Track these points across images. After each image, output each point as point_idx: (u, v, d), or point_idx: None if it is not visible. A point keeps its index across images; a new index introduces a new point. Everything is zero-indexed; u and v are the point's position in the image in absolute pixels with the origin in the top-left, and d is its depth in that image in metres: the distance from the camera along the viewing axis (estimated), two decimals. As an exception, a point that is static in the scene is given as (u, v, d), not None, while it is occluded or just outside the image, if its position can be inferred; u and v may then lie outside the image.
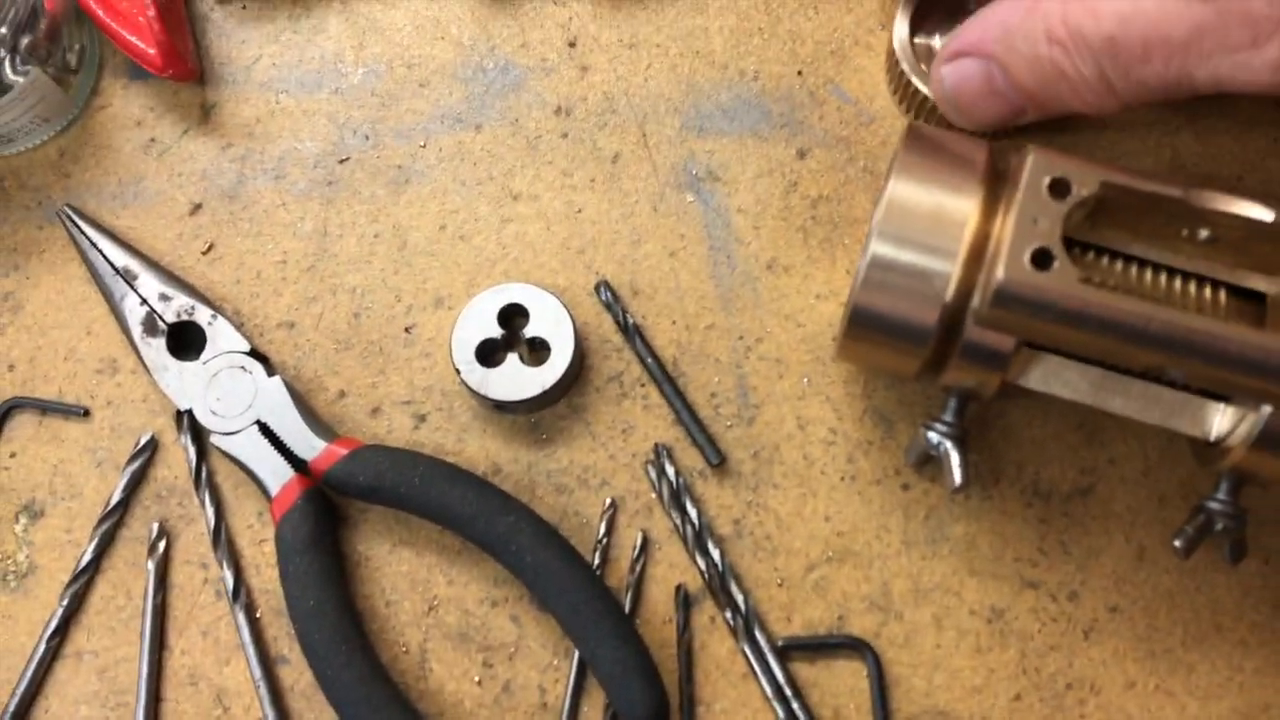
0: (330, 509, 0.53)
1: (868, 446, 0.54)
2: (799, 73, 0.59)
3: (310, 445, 0.53)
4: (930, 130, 0.49)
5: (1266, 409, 0.42)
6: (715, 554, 0.52)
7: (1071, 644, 0.51)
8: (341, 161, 0.59)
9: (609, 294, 0.56)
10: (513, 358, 0.53)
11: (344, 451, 0.52)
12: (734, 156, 0.58)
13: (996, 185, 0.46)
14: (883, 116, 0.58)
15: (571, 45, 0.60)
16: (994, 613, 0.52)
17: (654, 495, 0.54)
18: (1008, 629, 0.52)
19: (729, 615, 0.52)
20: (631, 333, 0.55)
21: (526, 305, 0.54)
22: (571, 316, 0.54)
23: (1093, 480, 0.53)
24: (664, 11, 0.60)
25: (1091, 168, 0.42)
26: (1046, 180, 0.42)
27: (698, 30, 0.60)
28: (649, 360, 0.55)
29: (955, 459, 0.47)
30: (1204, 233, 0.44)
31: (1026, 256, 0.41)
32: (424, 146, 0.59)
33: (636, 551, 0.53)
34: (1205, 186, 0.42)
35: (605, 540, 0.53)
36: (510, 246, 0.57)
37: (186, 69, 0.58)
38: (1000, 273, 0.41)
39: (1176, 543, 0.46)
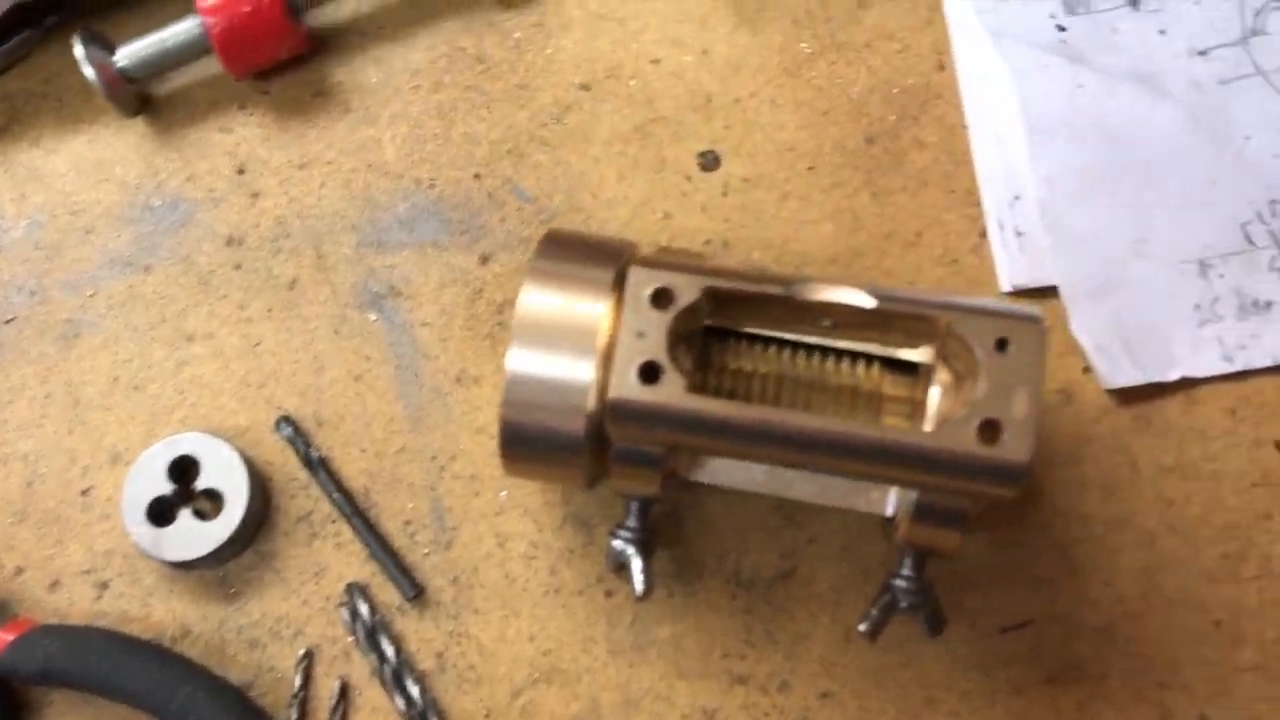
0: (7, 696, 0.50)
1: (569, 555, 0.52)
2: (476, 176, 0.58)
3: (-25, 634, 0.50)
4: (567, 234, 0.48)
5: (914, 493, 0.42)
6: (415, 692, 0.50)
7: (786, 737, 0.50)
8: (7, 322, 0.56)
9: (290, 429, 0.54)
10: (186, 513, 0.51)
11: (10, 637, 0.49)
12: (415, 269, 0.57)
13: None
14: (563, 212, 0.57)
15: (240, 172, 0.58)
16: (706, 715, 0.51)
17: (351, 639, 0.51)
18: (721, 730, 0.50)
19: (433, 755, 0.50)
20: (317, 467, 0.53)
21: (197, 456, 0.52)
22: (246, 461, 0.52)
23: (794, 563, 0.52)
24: (334, 127, 0.59)
25: (693, 275, 0.41)
26: (648, 292, 0.41)
27: (370, 142, 0.59)
28: (336, 495, 0.53)
29: (637, 566, 0.46)
30: (826, 321, 0.43)
31: (633, 372, 0.40)
32: (93, 296, 0.57)
33: (334, 700, 0.51)
34: (809, 280, 0.42)
35: (303, 693, 0.51)
36: (187, 391, 0.55)
37: None
38: (610, 391, 0.40)
39: (861, 627, 0.45)
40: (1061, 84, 0.57)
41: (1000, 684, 0.50)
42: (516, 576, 0.52)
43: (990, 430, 0.39)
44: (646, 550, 0.47)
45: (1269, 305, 0.54)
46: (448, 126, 0.59)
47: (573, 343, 0.43)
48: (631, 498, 0.47)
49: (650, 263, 0.42)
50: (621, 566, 0.49)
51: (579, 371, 0.43)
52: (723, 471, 0.47)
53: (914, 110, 0.58)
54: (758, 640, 0.51)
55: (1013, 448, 0.39)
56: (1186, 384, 0.54)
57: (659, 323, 0.40)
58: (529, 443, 0.45)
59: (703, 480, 0.47)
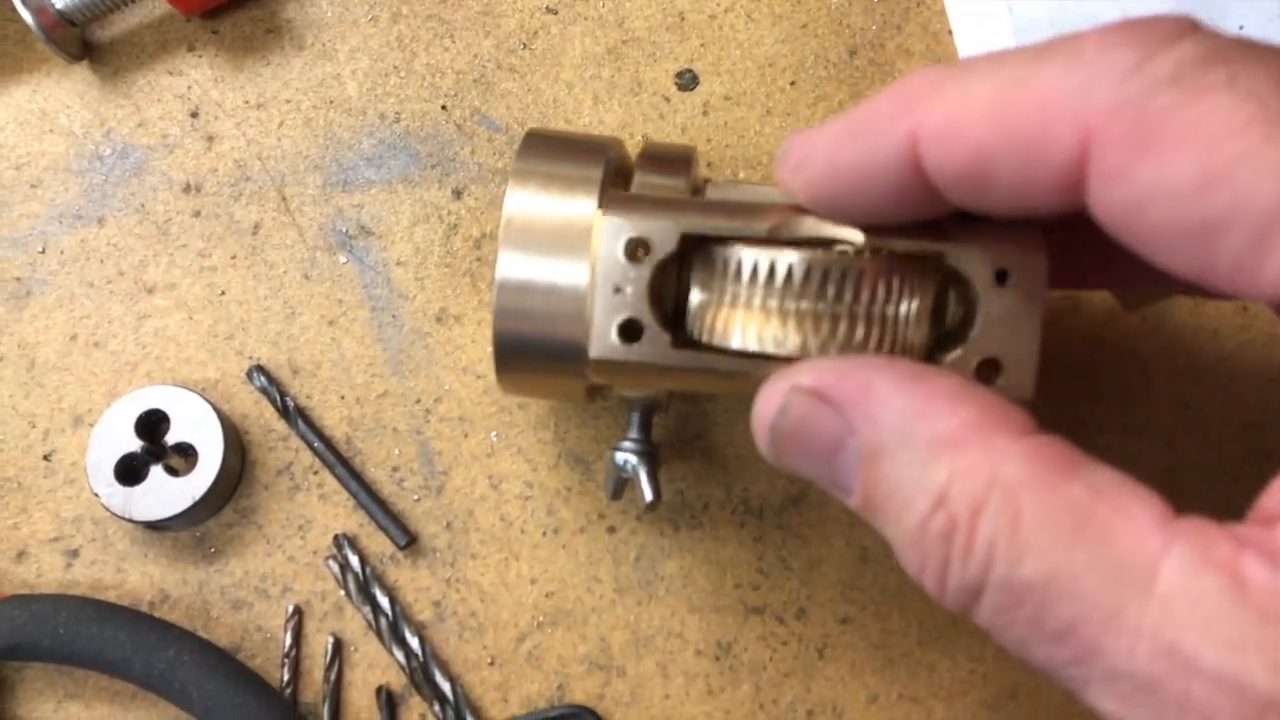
0: (-25, 677, 0.47)
1: (566, 494, 0.50)
2: (443, 107, 0.55)
3: (-63, 611, 0.46)
4: (549, 133, 0.45)
5: None
6: (414, 643, 0.47)
7: (806, 666, 0.48)
8: (-48, 284, 0.53)
9: (263, 378, 0.51)
10: (157, 471, 0.48)
11: (-25, 612, 0.46)
12: (386, 207, 0.54)
13: (624, 183, 0.42)
14: (537, 139, 0.54)
15: (194, 116, 0.55)
16: (721, 648, 0.48)
17: (342, 593, 0.49)
18: (738, 663, 0.48)
19: (437, 708, 0.47)
20: (294, 417, 0.50)
21: (166, 409, 0.49)
22: (218, 412, 0.49)
23: (803, 486, 0.50)
24: (289, 64, 0.56)
25: (670, 221, 0.38)
26: (622, 243, 0.38)
27: (329, 78, 0.56)
28: (317, 444, 0.50)
29: (644, 473, 0.44)
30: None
31: (614, 331, 0.37)
32: (43, 252, 0.53)
33: (328, 658, 0.48)
34: (798, 215, 0.38)
35: (294, 652, 0.48)
36: (151, 345, 0.52)
37: None
38: (591, 350, 0.37)
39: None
40: (1048, -20, 0.55)
41: (1026, 596, 0.48)
42: (513, 519, 0.50)
43: (989, 370, 0.36)
44: (651, 460, 0.44)
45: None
46: (410, 58, 0.56)
47: (565, 244, 0.41)
48: (635, 408, 0.45)
49: (621, 205, 0.38)
50: (623, 484, 0.46)
51: (573, 275, 0.40)
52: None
53: (897, 19, 0.56)
54: (771, 568, 0.49)
55: (1014, 386, 0.36)
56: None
57: (636, 276, 0.37)
58: (525, 354, 0.42)
59: (706, 389, 0.44)
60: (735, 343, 0.37)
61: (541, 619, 0.49)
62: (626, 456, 0.44)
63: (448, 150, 0.55)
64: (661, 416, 0.50)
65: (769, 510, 0.50)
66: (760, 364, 0.36)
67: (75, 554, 0.50)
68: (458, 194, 0.54)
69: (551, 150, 0.43)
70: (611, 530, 0.50)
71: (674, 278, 0.39)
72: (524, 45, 0.56)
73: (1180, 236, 0.28)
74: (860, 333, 0.36)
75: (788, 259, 0.36)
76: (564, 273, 0.41)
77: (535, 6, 0.56)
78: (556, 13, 0.56)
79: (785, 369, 0.34)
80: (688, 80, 0.56)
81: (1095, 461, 0.29)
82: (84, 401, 0.51)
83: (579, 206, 0.41)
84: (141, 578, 0.49)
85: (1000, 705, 0.47)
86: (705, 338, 0.37)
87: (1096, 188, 0.29)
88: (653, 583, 0.49)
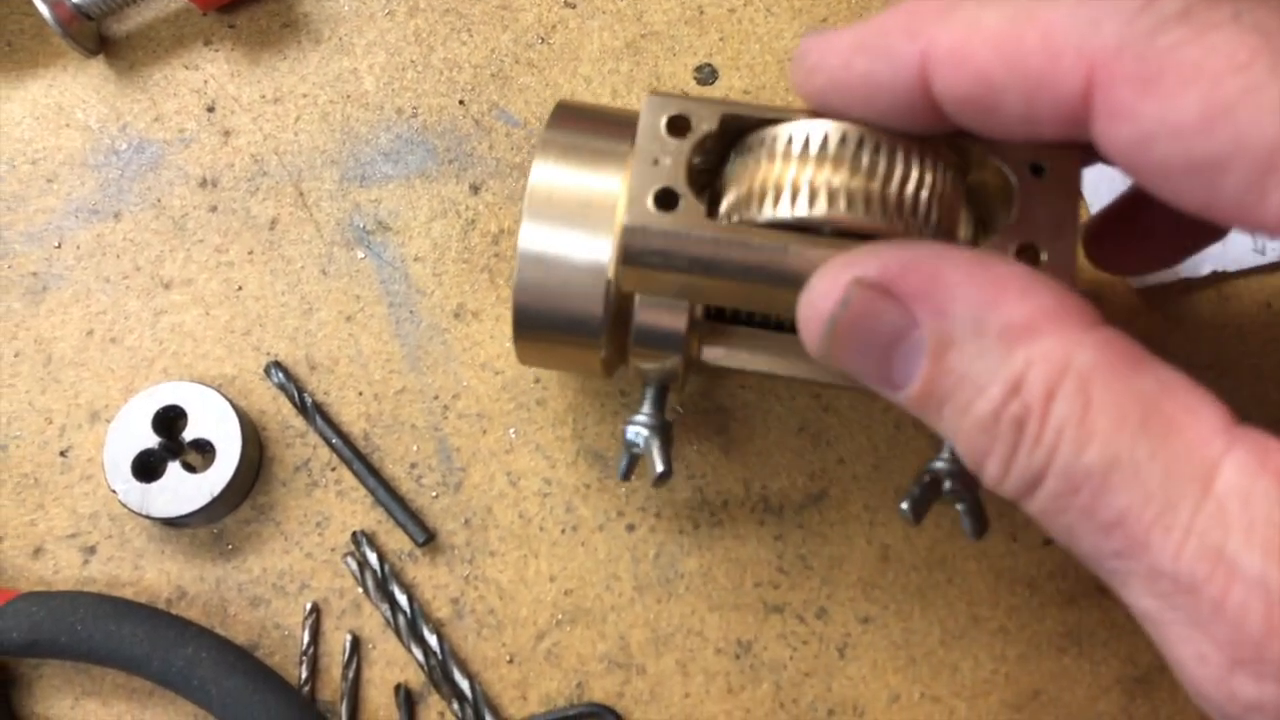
0: (-8, 674, 0.47)
1: (585, 491, 0.50)
2: (461, 102, 0.55)
3: (-45, 607, 0.46)
4: (580, 105, 0.45)
5: None
6: (433, 640, 0.47)
7: (827, 665, 0.47)
8: (-32, 279, 0.53)
9: (281, 374, 0.50)
10: (175, 467, 0.48)
11: (-8, 608, 0.46)
12: (403, 202, 0.53)
13: None
14: (555, 134, 0.54)
15: (210, 110, 0.55)
16: (741, 647, 0.48)
17: (360, 590, 0.48)
18: (758, 662, 0.48)
19: (456, 706, 0.46)
20: (312, 413, 0.50)
21: (183, 405, 0.48)
22: (236, 409, 0.48)
23: (824, 484, 0.49)
24: (306, 58, 0.55)
25: (712, 103, 0.38)
26: (664, 119, 0.38)
27: (346, 73, 0.55)
28: (335, 440, 0.50)
29: (656, 446, 0.43)
30: None
31: (650, 199, 0.37)
32: (59, 247, 0.53)
33: (346, 655, 0.47)
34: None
35: (312, 649, 0.47)
36: (167, 341, 0.52)
37: None
38: (624, 217, 0.37)
39: (903, 505, 0.42)
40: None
41: (1049, 595, 0.48)
42: (532, 516, 0.49)
43: (1029, 253, 0.36)
44: (664, 434, 0.44)
45: (1301, 189, 0.51)
46: (427, 53, 0.56)
47: (589, 217, 0.41)
48: (649, 383, 0.44)
49: (667, 93, 0.39)
50: (635, 461, 0.46)
51: (595, 249, 0.40)
52: (740, 351, 0.44)
53: (917, 12, 0.55)
54: (791, 567, 0.49)
55: (1054, 270, 0.35)
56: (1218, 279, 0.51)
57: (676, 150, 0.37)
58: (544, 326, 0.42)
59: (718, 363, 0.44)
60: (768, 212, 0.36)
61: (560, 616, 0.48)
62: (639, 429, 0.44)
63: (465, 145, 0.54)
64: (676, 415, 0.50)
65: (789, 508, 0.49)
66: (798, 242, 0.35)
67: (92, 550, 0.49)
68: (475, 189, 0.54)
69: (580, 123, 0.43)
70: (630, 528, 0.49)
71: (712, 178, 0.39)
72: (542, 39, 0.56)
73: (1184, 173, 0.28)
74: (895, 206, 0.35)
75: (824, 127, 0.36)
76: (585, 246, 0.41)
77: (553, 0, 0.56)
78: (575, 7, 0.56)
79: (843, 255, 0.32)
80: (707, 74, 0.55)
81: (1164, 362, 0.29)
82: (100, 397, 0.51)
83: (605, 181, 0.41)
84: (158, 574, 0.49)
85: (1023, 705, 0.47)
86: (740, 217, 0.37)
87: (1101, 123, 0.29)
88: (672, 580, 0.49)
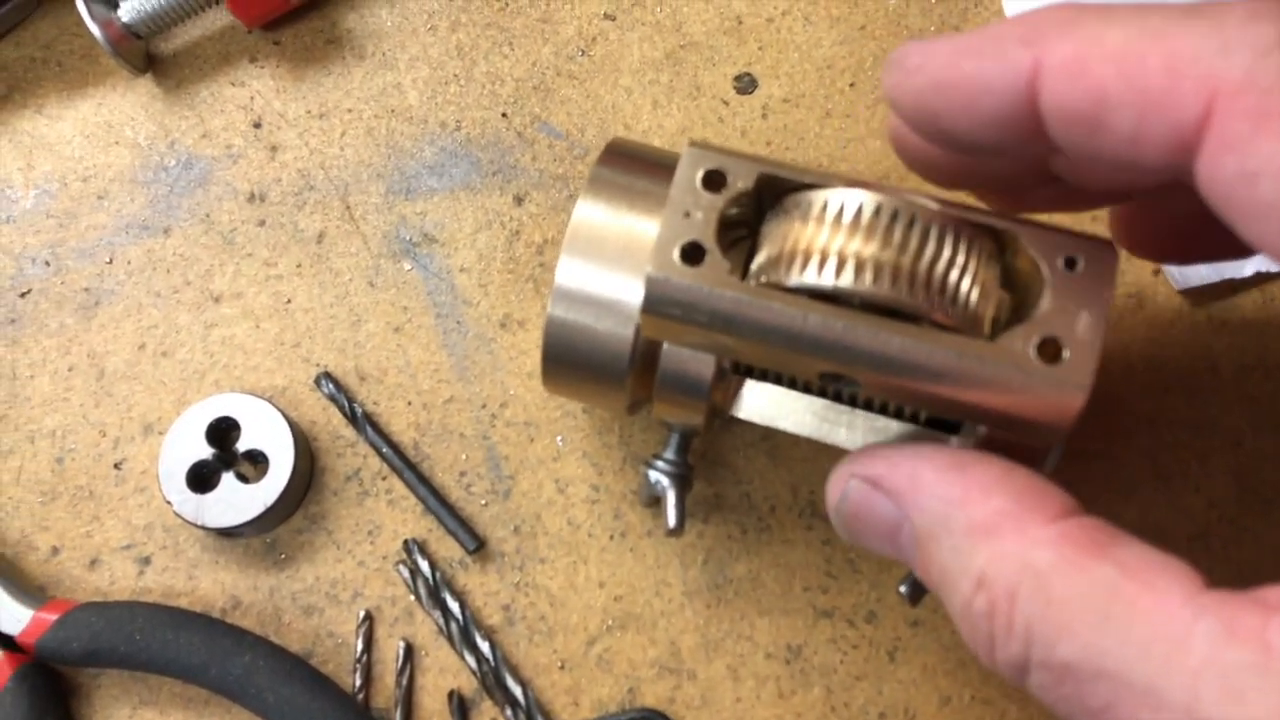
0: (52, 682, 0.47)
1: (632, 498, 0.50)
2: (503, 115, 0.55)
3: (15, 617, 0.47)
4: (632, 145, 0.45)
5: (981, 429, 0.38)
6: (485, 647, 0.48)
7: (878, 669, 0.48)
8: (23, 295, 0.53)
9: (331, 385, 0.51)
10: (229, 478, 0.48)
11: (53, 618, 0.47)
12: (448, 214, 0.54)
13: None
14: (596, 147, 0.55)
15: (257, 126, 0.56)
16: (791, 651, 0.48)
17: (412, 598, 0.49)
18: (808, 666, 0.48)
19: (509, 712, 0.47)
20: (362, 423, 0.50)
21: (236, 417, 0.49)
22: (288, 419, 0.49)
23: (871, 489, 0.49)
24: (350, 74, 0.56)
25: (750, 160, 0.38)
26: (700, 173, 0.38)
27: (390, 88, 0.56)
28: (385, 449, 0.50)
29: (671, 499, 0.44)
30: None
31: (676, 251, 0.37)
32: (110, 262, 0.54)
33: (400, 662, 0.48)
34: (877, 186, 0.38)
35: (365, 657, 0.48)
36: (218, 354, 0.52)
37: None
38: (650, 267, 0.37)
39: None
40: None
41: (1099, 597, 0.48)
42: (580, 522, 0.50)
43: (1051, 348, 0.35)
44: (683, 484, 0.44)
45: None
46: (469, 66, 0.56)
47: (626, 260, 0.41)
48: (672, 429, 0.45)
49: (706, 145, 0.39)
50: (655, 500, 0.46)
51: (629, 290, 0.40)
52: (767, 407, 0.44)
53: (954, 19, 0.56)
54: (839, 571, 0.49)
55: (1073, 369, 0.35)
56: (1262, 280, 0.52)
57: (709, 205, 0.37)
58: (571, 360, 0.42)
59: (741, 416, 0.44)
60: (795, 277, 0.36)
61: (610, 622, 0.49)
62: (659, 476, 0.44)
63: (508, 157, 0.55)
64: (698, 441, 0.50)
65: (837, 512, 0.49)
66: (819, 311, 0.35)
67: (147, 561, 0.50)
68: (519, 200, 0.54)
69: (631, 163, 0.43)
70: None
71: (748, 229, 0.38)
72: (582, 52, 0.56)
73: None
74: (924, 284, 0.35)
75: (861, 197, 0.36)
76: (620, 288, 0.41)
77: (593, 13, 0.57)
78: (614, 19, 0.57)
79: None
80: (746, 83, 0.56)
81: (1127, 538, 0.30)
82: (153, 410, 0.52)
83: (646, 225, 0.41)
84: (213, 584, 0.50)
85: (1075, 707, 0.47)
86: (769, 278, 0.36)
87: (1210, 153, 0.29)
88: (721, 586, 0.49)
